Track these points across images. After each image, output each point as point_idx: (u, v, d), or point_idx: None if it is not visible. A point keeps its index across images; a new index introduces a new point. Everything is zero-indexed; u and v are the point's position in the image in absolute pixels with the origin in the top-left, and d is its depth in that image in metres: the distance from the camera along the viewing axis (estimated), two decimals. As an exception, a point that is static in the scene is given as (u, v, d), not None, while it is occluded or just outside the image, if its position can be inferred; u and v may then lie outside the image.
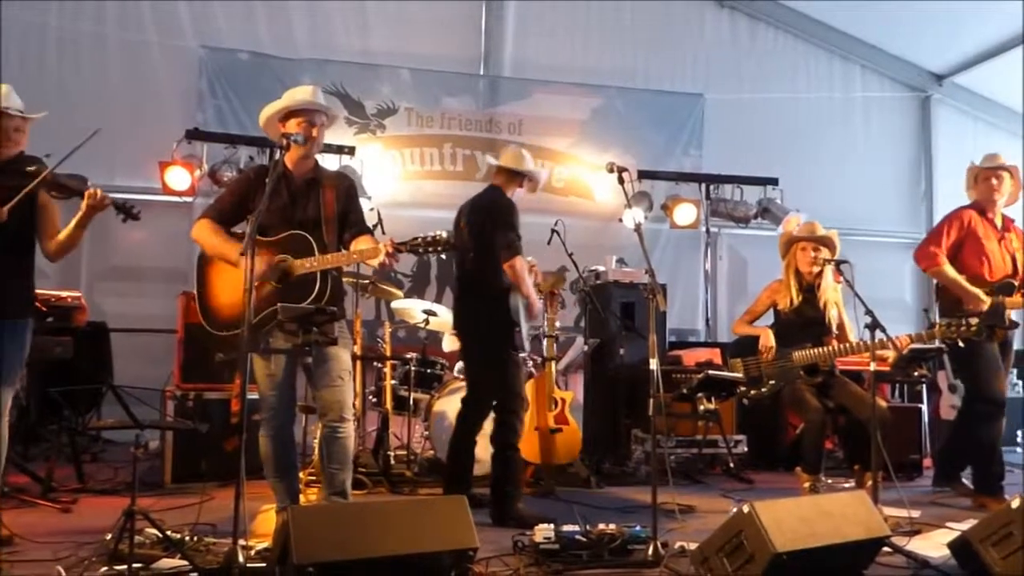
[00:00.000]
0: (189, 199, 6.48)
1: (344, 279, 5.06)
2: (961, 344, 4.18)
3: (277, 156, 3.36)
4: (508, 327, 4.09)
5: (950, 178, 8.47)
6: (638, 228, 3.61)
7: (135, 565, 2.81)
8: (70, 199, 3.39)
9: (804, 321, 4.63)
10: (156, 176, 6.45)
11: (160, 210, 6.73)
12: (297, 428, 4.20)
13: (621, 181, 3.60)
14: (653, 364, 3.35)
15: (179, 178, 6.41)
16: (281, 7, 7.37)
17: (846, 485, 4.72)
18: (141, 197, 6.76)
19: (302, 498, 3.86)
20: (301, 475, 4.21)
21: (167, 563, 2.94)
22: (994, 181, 4.60)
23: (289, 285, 3.26)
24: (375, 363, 5.60)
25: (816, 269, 4.63)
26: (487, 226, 4.10)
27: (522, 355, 4.24)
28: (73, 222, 3.39)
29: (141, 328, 6.40)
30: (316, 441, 4.04)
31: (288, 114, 3.41)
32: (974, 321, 4.05)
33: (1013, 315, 4.54)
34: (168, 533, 3.05)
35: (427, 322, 5.44)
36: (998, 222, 4.66)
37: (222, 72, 7.11)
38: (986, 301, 4.36)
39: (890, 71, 8.70)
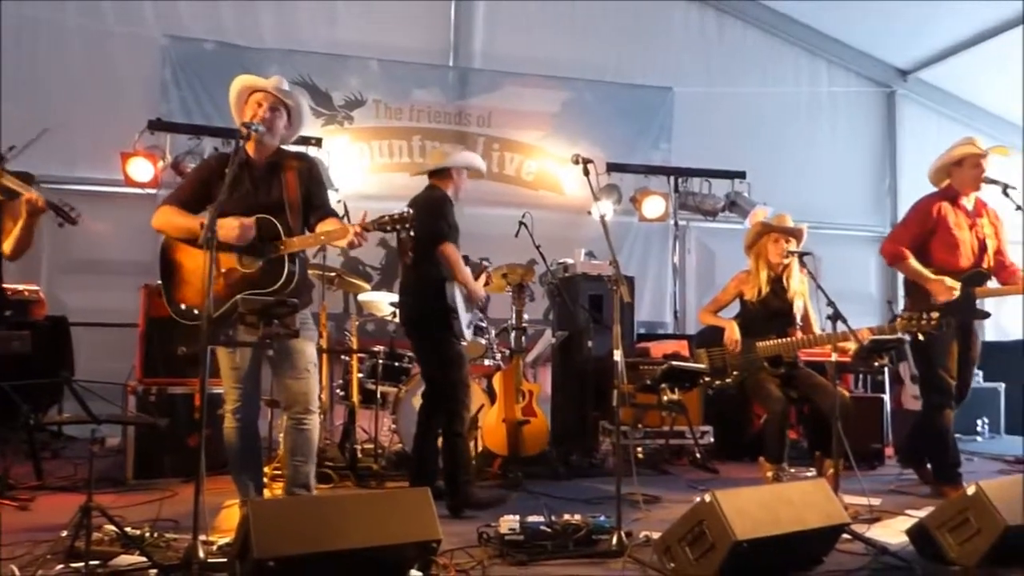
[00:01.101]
0: (152, 191, 6.37)
1: (310, 271, 5.04)
2: (921, 337, 4.24)
3: (239, 145, 3.30)
4: (445, 315, 4.11)
5: (914, 172, 8.61)
6: (603, 219, 3.61)
7: (92, 562, 2.77)
8: (13, 199, 3.31)
9: (770, 312, 4.68)
10: (118, 167, 6.34)
11: (122, 202, 6.66)
12: (263, 422, 4.18)
13: (587, 173, 3.60)
14: (617, 355, 3.36)
15: (141, 169, 6.30)
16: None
17: (808, 474, 4.77)
18: (103, 189, 6.76)
19: (267, 492, 3.84)
20: (266, 469, 4.18)
21: (125, 559, 2.89)
22: (983, 164, 4.53)
23: (258, 269, 3.22)
24: (342, 356, 5.56)
25: (785, 261, 4.68)
26: (420, 220, 4.11)
27: (464, 343, 4.24)
28: (17, 226, 3.32)
29: (102, 322, 6.29)
30: (282, 435, 4.01)
31: (248, 96, 3.38)
32: (935, 315, 4.09)
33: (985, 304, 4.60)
34: (127, 529, 3.00)
35: (395, 315, 5.41)
36: (969, 207, 4.62)
37: (186, 62, 7.00)
38: (956, 288, 4.37)
39: (856, 66, 8.80)
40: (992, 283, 4.58)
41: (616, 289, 3.43)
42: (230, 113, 3.55)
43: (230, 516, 3.73)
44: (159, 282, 3.42)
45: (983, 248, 4.58)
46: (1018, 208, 4.45)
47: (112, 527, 3.01)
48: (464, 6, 7.84)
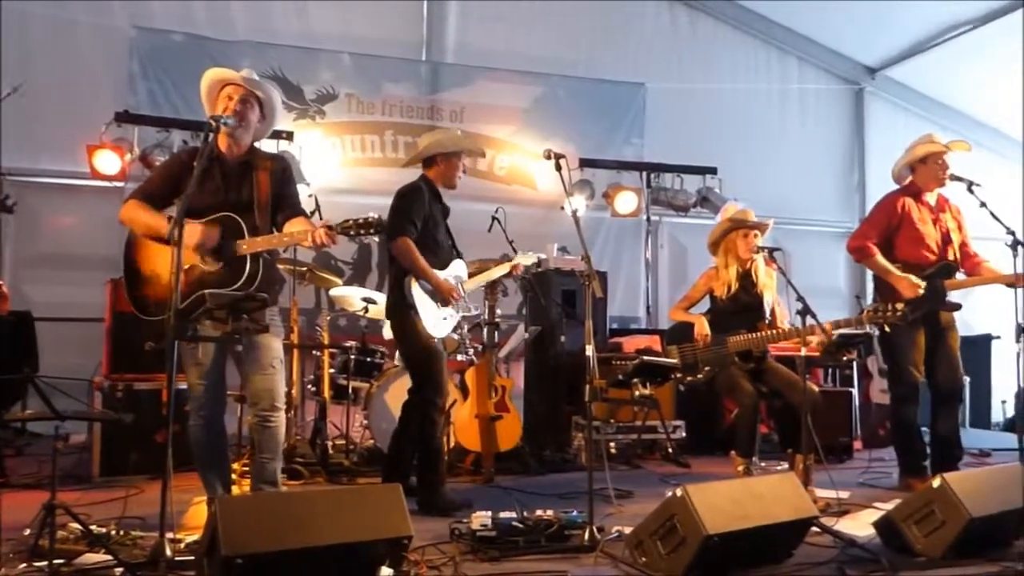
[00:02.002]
0: (119, 184, 6.28)
1: (281, 266, 5.00)
2: (887, 328, 4.30)
3: (208, 139, 3.26)
4: (404, 312, 4.00)
5: (882, 168, 8.66)
6: (574, 215, 3.61)
7: (56, 561, 2.72)
8: None
9: (739, 307, 4.72)
10: (85, 160, 6.24)
11: (89, 195, 6.55)
12: (232, 418, 4.13)
13: (558, 168, 3.60)
14: (589, 350, 3.36)
15: (108, 162, 6.20)
16: (217, -17, 7.17)
17: (779, 468, 4.83)
18: (69, 182, 6.65)
19: (236, 489, 3.79)
20: (235, 466, 4.14)
21: (91, 558, 2.85)
22: (946, 161, 4.60)
23: (219, 268, 3.19)
24: (313, 352, 5.51)
25: (755, 256, 4.71)
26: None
27: (436, 339, 4.08)
28: None
29: (68, 317, 6.18)
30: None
31: (219, 90, 3.34)
32: (899, 306, 4.14)
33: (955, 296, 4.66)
34: (92, 527, 2.95)
35: (366, 310, 5.37)
36: (932, 202, 4.70)
37: (155, 54, 6.89)
38: (920, 286, 4.44)
39: (825, 64, 8.89)
40: (960, 276, 4.66)
41: (588, 284, 3.43)
42: (199, 106, 3.50)
43: (198, 513, 3.68)
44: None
45: (947, 242, 4.65)
46: (982, 205, 4.52)
47: (77, 525, 2.96)
48: (437, 1, 7.79)
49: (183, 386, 3.36)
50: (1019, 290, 4.51)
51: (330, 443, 5.18)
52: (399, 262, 4.02)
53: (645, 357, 4.86)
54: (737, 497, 2.94)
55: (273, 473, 3.31)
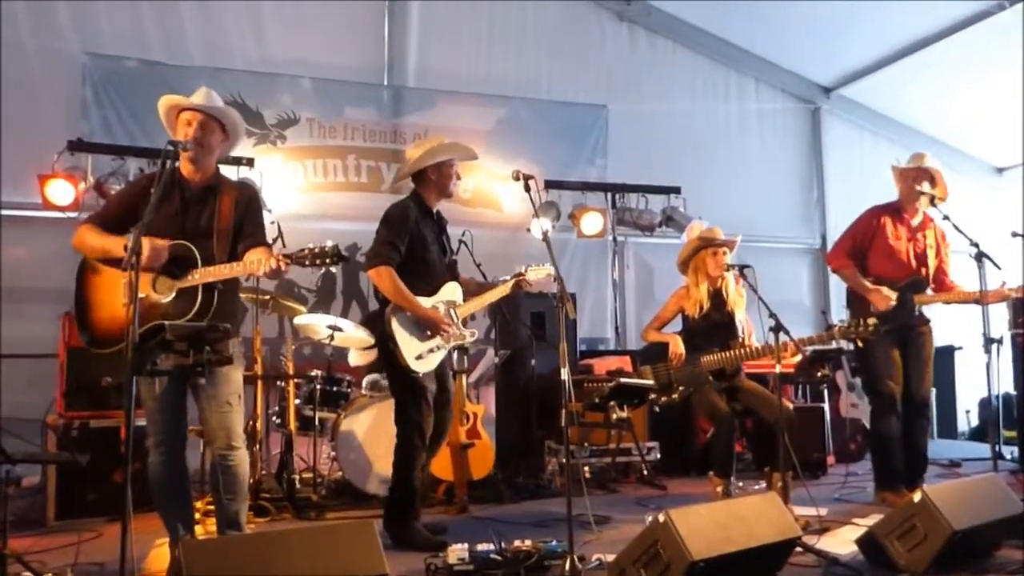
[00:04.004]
0: (73, 214, 6.07)
1: (244, 295, 4.86)
2: (860, 344, 4.32)
3: (168, 164, 3.14)
4: (384, 343, 3.81)
5: (841, 185, 8.90)
6: (545, 236, 3.56)
7: (8, 614, 2.56)
8: None
9: (711, 326, 4.70)
10: (36, 190, 6.03)
11: (42, 227, 6.32)
12: (195, 454, 3.97)
13: (527, 189, 3.55)
14: (564, 374, 3.29)
15: (61, 192, 6.00)
16: (171, 8, 6.98)
17: (756, 487, 4.79)
18: (20, 213, 6.42)
19: (199, 529, 3.63)
20: (199, 504, 3.97)
21: (45, 609, 2.69)
22: (910, 180, 4.69)
23: (171, 299, 3.07)
24: (278, 382, 5.36)
25: (726, 273, 4.70)
26: None
27: (416, 374, 3.78)
28: None
29: (20, 353, 5.94)
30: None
31: (176, 116, 3.24)
32: (871, 321, 4.17)
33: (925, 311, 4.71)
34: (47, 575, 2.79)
35: (332, 338, 5.24)
36: (915, 221, 4.77)
37: (108, 80, 6.71)
38: (892, 298, 4.49)
39: (782, 84, 9.01)
40: (929, 292, 4.72)
41: (561, 306, 3.36)
42: (156, 132, 3.43)
43: (160, 557, 3.51)
44: (80, 309, 3.22)
45: (922, 261, 4.72)
46: (945, 218, 4.62)
47: (30, 574, 2.80)
48: (398, 24, 7.75)
49: (142, 422, 3.21)
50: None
51: (297, 477, 5.01)
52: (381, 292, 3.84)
53: (623, 379, 4.80)
54: (720, 520, 2.89)
55: (236, 515, 3.17)
